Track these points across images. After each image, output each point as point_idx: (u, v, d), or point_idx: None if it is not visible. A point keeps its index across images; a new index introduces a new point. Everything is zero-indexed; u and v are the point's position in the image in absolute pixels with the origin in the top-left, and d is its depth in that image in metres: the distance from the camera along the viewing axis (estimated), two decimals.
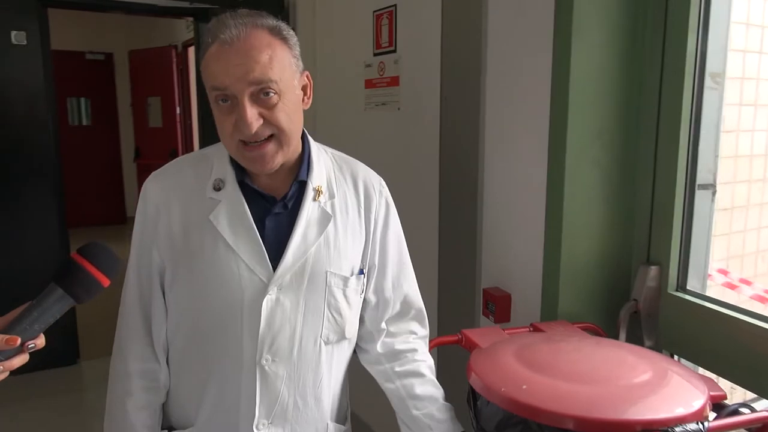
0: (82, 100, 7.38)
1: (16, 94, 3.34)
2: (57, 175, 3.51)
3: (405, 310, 1.24)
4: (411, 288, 1.24)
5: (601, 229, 1.49)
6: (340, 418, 1.22)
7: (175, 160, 1.17)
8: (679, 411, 0.95)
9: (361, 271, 1.15)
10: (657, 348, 1.42)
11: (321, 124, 2.95)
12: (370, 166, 1.23)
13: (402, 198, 2.30)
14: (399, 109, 2.27)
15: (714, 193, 1.60)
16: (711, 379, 1.13)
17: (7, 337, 0.71)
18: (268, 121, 0.99)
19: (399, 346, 1.21)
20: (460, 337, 1.32)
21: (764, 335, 1.19)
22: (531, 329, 1.39)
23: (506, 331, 1.36)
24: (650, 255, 1.46)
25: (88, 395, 3.33)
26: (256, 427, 1.08)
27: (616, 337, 1.43)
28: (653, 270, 1.42)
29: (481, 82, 1.76)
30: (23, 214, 3.42)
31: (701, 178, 1.54)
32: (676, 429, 0.92)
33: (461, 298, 1.95)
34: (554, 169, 1.47)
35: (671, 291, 1.41)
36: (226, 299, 1.05)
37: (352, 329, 1.17)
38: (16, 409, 3.09)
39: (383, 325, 1.21)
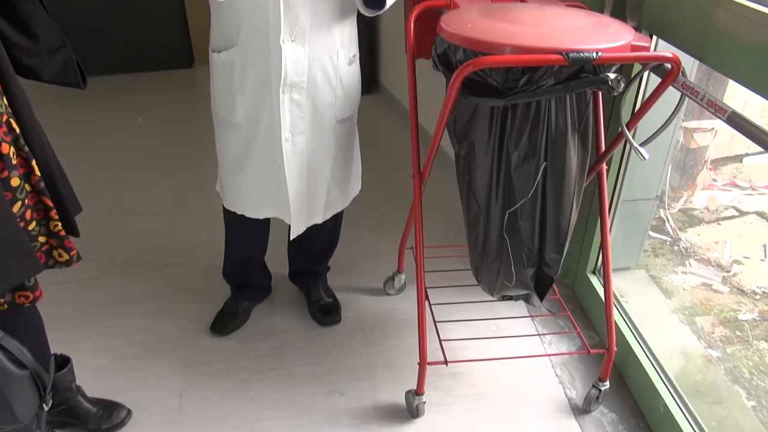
0: None
1: None
2: None
3: None
4: None
5: None
6: (348, 56, 1.56)
7: None
8: (585, 45, 1.15)
9: None
10: (638, 28, 1.54)
11: None
12: None
13: None
14: None
15: None
16: (645, 37, 1.29)
17: None
18: None
19: None
20: (449, 1, 1.53)
21: (740, 12, 1.23)
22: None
23: (494, 2, 1.54)
24: None
25: (201, 89, 4.09)
26: (283, 42, 1.40)
27: None
28: None
29: None
30: None
31: None
32: (570, 55, 1.13)
33: None
34: None
35: None
36: None
37: None
38: (144, 95, 3.96)
39: None
